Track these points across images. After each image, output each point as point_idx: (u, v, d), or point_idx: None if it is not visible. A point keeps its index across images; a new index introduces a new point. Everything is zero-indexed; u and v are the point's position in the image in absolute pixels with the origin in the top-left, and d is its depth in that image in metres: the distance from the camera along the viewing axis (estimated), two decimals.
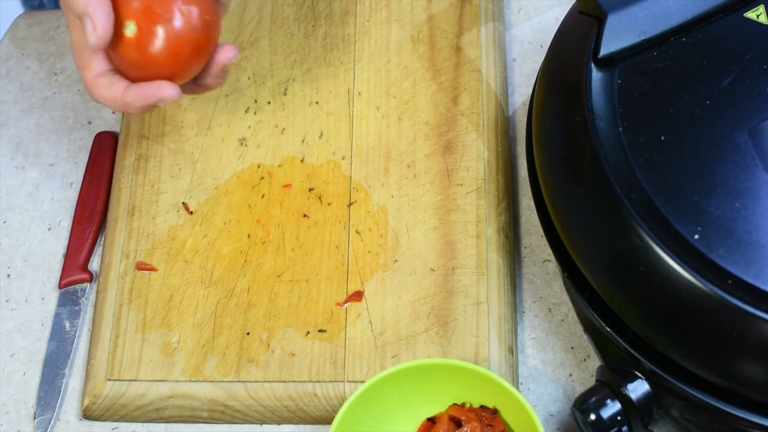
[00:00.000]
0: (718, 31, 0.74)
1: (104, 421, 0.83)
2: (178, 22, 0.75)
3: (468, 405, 0.78)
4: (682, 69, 0.73)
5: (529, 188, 0.80)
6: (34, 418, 0.83)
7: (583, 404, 0.72)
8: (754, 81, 0.71)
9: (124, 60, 0.76)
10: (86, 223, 0.90)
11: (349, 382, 0.80)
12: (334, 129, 0.90)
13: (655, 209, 0.68)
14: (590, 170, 0.71)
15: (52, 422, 0.83)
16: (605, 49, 0.74)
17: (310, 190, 0.88)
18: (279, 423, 0.82)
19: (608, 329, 0.71)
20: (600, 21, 0.75)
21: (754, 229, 0.66)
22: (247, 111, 0.92)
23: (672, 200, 0.68)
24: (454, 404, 0.78)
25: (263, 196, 0.88)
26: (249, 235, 0.87)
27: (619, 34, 0.74)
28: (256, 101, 0.92)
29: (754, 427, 0.67)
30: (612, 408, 0.72)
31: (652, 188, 0.69)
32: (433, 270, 0.83)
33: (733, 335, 0.65)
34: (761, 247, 0.66)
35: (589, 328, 0.74)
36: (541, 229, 0.78)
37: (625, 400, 0.71)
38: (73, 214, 0.91)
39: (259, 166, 0.89)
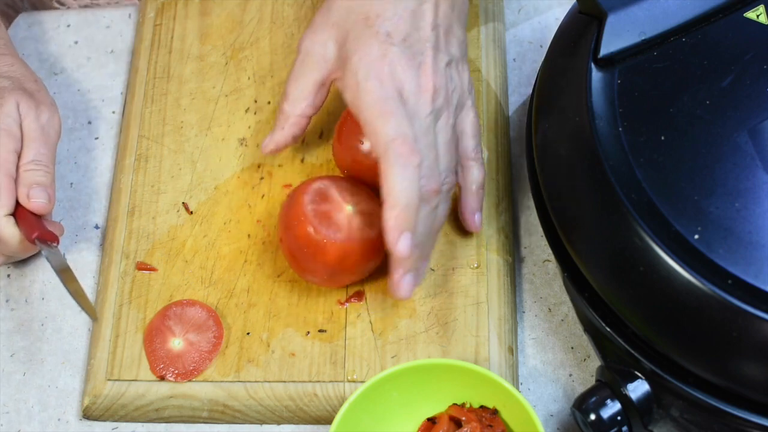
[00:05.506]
0: (718, 31, 0.74)
1: (104, 421, 0.83)
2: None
3: (468, 405, 0.78)
4: (682, 69, 0.73)
5: (529, 188, 0.80)
6: None
7: (583, 404, 0.72)
8: (754, 81, 0.71)
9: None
10: None
11: (349, 382, 0.80)
12: (334, 128, 0.90)
13: (655, 209, 0.68)
14: (590, 170, 0.71)
15: None
16: (605, 49, 0.74)
17: None
18: (279, 423, 0.82)
19: (608, 329, 0.71)
20: (600, 21, 0.75)
21: (754, 229, 0.66)
22: (247, 111, 0.92)
23: (672, 200, 0.68)
24: (454, 404, 0.78)
25: (263, 196, 0.88)
26: (249, 235, 0.86)
27: (619, 34, 0.74)
28: (256, 101, 0.92)
29: (754, 427, 0.67)
30: (612, 408, 0.72)
31: (652, 188, 0.69)
32: (433, 270, 0.83)
33: (733, 335, 0.65)
34: (761, 247, 0.66)
35: (589, 328, 0.74)
36: (541, 229, 0.78)
37: (625, 400, 0.71)
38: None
39: (259, 166, 0.89)
